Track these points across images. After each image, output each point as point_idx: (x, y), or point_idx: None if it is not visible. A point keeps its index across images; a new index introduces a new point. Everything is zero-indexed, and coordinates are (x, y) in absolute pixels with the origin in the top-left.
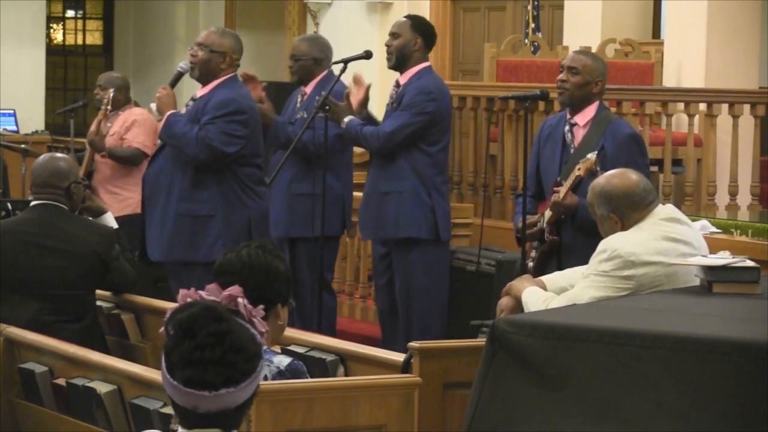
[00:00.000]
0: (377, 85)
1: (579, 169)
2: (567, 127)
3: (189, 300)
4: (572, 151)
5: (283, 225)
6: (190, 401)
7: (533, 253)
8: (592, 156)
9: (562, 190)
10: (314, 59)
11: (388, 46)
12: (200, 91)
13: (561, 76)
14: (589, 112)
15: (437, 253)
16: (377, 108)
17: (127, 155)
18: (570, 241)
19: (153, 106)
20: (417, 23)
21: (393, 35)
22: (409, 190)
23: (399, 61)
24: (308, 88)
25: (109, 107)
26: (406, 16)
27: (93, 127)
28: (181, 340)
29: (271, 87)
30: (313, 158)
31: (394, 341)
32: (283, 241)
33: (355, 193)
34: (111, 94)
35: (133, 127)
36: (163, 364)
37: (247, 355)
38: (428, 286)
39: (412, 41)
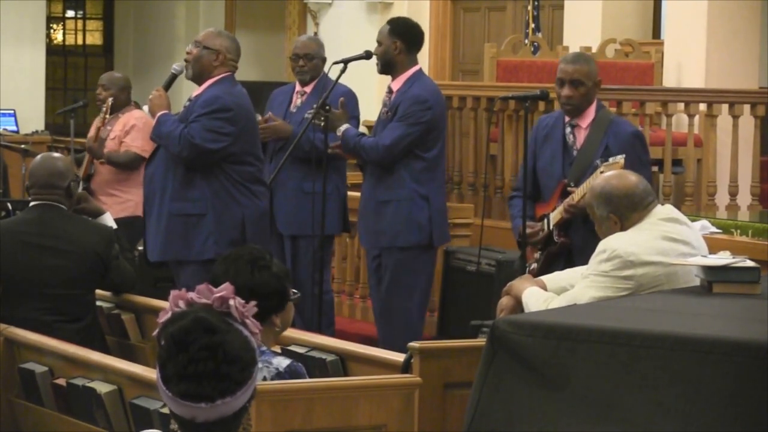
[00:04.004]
0: (377, 86)
1: (602, 171)
2: (568, 129)
3: (180, 301)
4: (575, 152)
5: (291, 222)
6: (188, 412)
7: (537, 255)
8: (620, 159)
9: (578, 192)
10: (323, 59)
11: (375, 54)
12: (195, 91)
13: (565, 92)
14: (590, 112)
15: (426, 256)
16: (374, 110)
17: (124, 160)
18: (581, 242)
19: (146, 108)
20: (395, 27)
21: (377, 43)
22: (407, 197)
23: (384, 67)
24: (307, 89)
25: (107, 115)
26: (387, 21)
27: (91, 133)
28: (174, 354)
29: (270, 87)
30: (317, 159)
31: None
32: (287, 238)
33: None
34: (110, 102)
35: (132, 131)
36: (158, 375)
37: (242, 364)
38: (411, 287)
39: (392, 46)
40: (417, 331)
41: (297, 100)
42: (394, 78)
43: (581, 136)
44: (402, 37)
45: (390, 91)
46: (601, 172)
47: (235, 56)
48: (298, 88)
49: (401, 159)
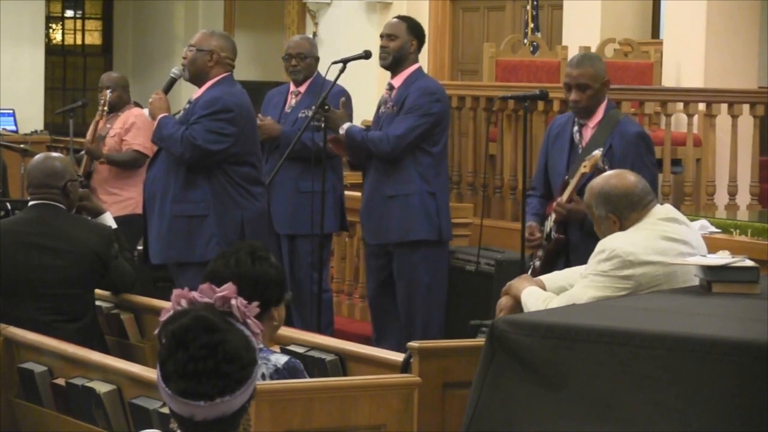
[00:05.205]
0: (376, 85)
1: (585, 166)
2: (576, 127)
3: (182, 300)
4: (580, 150)
5: (288, 222)
6: (187, 411)
7: (540, 252)
8: (597, 153)
9: (566, 191)
10: (316, 59)
11: (384, 46)
12: (195, 93)
13: (573, 96)
14: (599, 112)
15: (439, 252)
16: (372, 107)
17: (126, 159)
18: (577, 239)
19: (146, 111)
20: (412, 25)
21: (389, 36)
22: (415, 192)
23: (395, 61)
24: (301, 88)
25: (105, 108)
26: (398, 17)
27: (89, 133)
28: (174, 352)
29: (269, 87)
30: (315, 159)
31: (385, 339)
32: (284, 238)
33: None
34: (108, 96)
35: (132, 129)
36: (158, 373)
37: (242, 363)
38: (430, 285)
39: (408, 43)
40: (438, 329)
41: (291, 100)
42: (395, 75)
43: (587, 135)
44: (417, 37)
45: (391, 87)
46: (584, 167)
47: (230, 54)
48: (292, 88)
49: (409, 153)
